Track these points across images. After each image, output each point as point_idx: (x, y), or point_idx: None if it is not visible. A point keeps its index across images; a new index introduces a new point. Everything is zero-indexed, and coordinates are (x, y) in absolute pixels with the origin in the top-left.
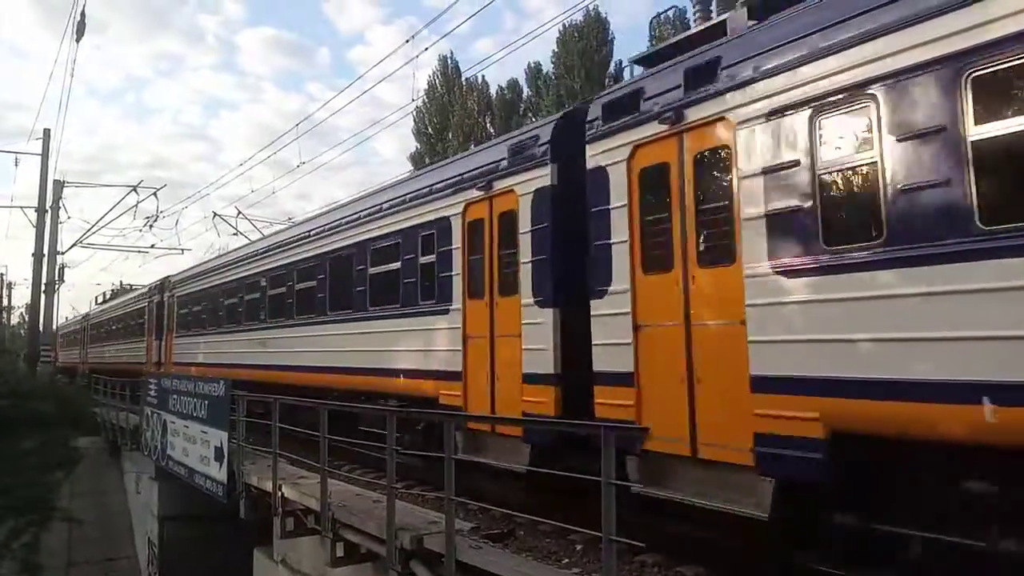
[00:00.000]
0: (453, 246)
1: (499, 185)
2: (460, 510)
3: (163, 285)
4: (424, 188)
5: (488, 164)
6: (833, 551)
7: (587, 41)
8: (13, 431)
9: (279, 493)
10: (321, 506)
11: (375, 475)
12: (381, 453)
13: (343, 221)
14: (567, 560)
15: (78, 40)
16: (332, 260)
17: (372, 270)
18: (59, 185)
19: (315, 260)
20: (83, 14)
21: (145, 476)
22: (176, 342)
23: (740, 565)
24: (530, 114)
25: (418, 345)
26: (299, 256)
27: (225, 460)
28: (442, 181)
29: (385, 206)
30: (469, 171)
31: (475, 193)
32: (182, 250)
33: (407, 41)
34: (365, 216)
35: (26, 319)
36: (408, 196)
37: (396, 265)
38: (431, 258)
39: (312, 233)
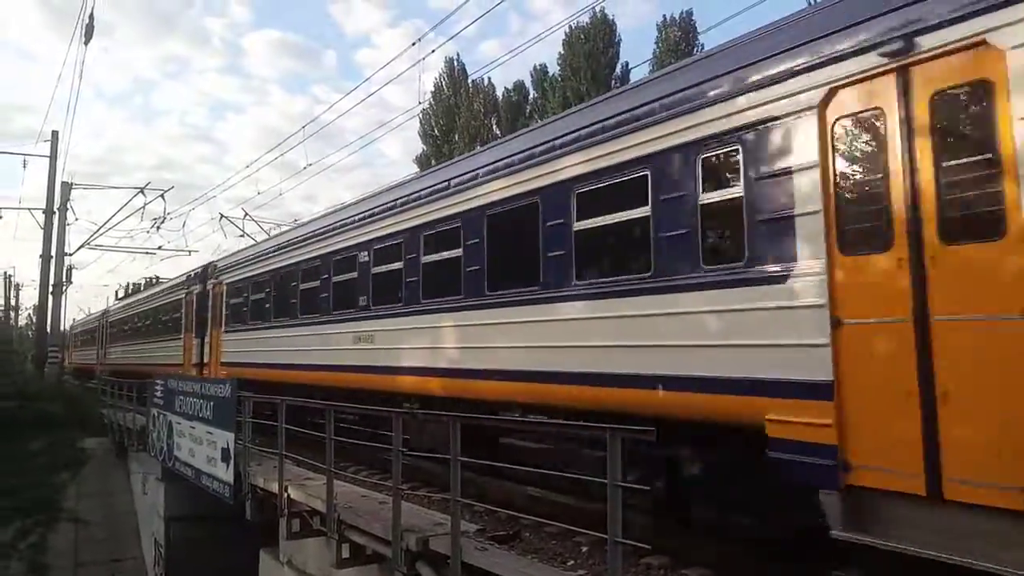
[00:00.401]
0: (795, 165)
1: (936, 39)
2: (466, 512)
3: (206, 272)
4: (692, 86)
5: (888, 11)
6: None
7: (594, 43)
8: (21, 432)
9: (285, 494)
10: (327, 507)
11: (381, 476)
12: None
13: (514, 159)
14: (573, 562)
15: (86, 43)
16: (493, 217)
17: (579, 225)
18: (67, 187)
19: (461, 219)
20: (91, 17)
21: (152, 477)
22: (225, 339)
23: (745, 568)
24: (536, 116)
25: (705, 336)
26: (430, 216)
27: (232, 461)
28: (753, 63)
29: (610, 123)
30: (834, 32)
31: (863, 64)
32: (189, 251)
33: (413, 44)
34: (561, 146)
35: (34, 320)
36: (664, 99)
37: (637, 212)
38: (731, 193)
39: (453, 183)
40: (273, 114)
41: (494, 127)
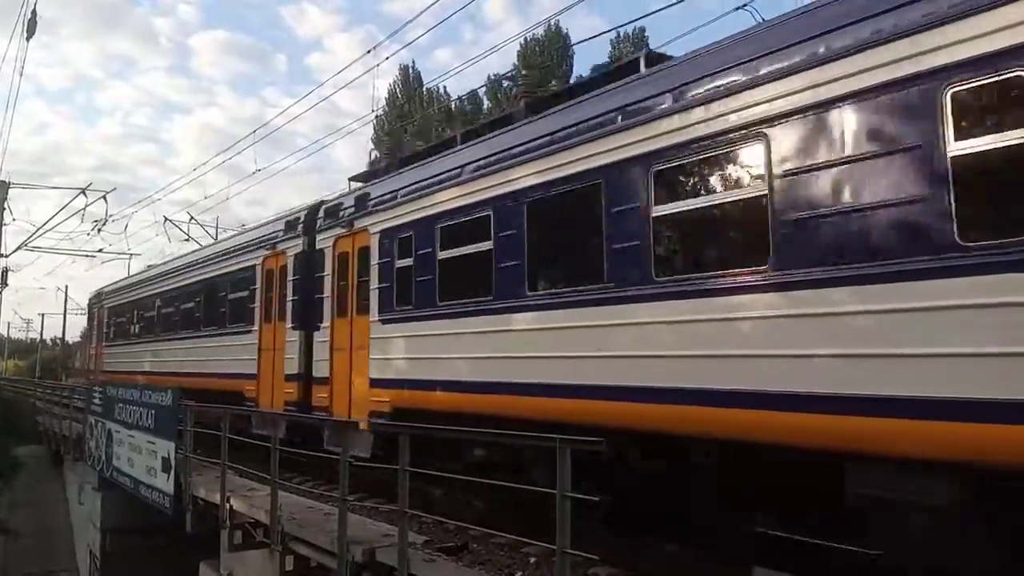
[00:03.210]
0: None
1: None
2: (414, 523)
3: None
4: None
5: None
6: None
7: (547, 55)
8: None
9: (227, 505)
10: (271, 519)
11: (327, 487)
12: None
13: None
14: (520, 573)
15: (28, 38)
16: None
17: None
18: (4, 186)
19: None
20: (35, 12)
21: (88, 486)
22: None
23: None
24: None
25: None
26: None
27: (172, 471)
28: None
29: None
30: None
31: None
32: (131, 255)
33: (369, 52)
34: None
35: None
36: None
37: None
38: None
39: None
40: (221, 116)
41: (448, 135)
